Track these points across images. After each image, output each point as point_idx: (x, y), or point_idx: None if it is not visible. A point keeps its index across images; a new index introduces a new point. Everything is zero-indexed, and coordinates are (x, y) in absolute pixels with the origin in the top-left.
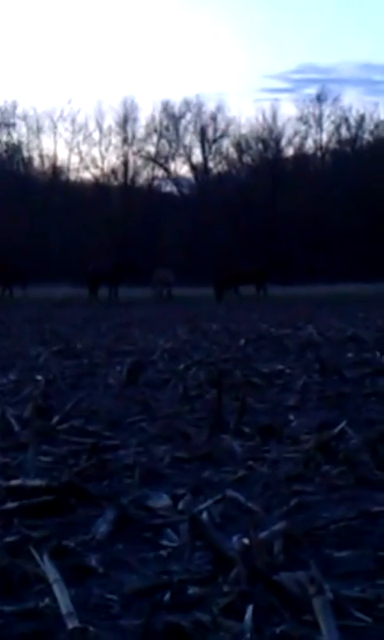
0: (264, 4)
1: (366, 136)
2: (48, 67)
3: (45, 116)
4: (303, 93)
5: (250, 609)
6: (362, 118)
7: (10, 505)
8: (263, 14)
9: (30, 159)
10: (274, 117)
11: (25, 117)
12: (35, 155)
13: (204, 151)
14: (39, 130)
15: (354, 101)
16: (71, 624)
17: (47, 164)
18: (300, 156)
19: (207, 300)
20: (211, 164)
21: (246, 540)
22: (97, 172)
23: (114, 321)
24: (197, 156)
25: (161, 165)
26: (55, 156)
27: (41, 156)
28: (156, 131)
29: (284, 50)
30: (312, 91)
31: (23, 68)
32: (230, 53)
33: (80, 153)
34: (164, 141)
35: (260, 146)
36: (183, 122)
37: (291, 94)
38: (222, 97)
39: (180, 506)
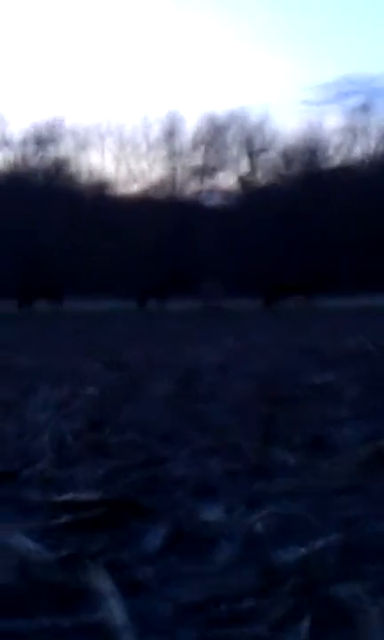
0: (306, 15)
1: None
2: (93, 82)
3: (92, 130)
4: (348, 103)
5: (305, 622)
6: None
7: (63, 519)
8: (305, 25)
9: (78, 174)
10: (319, 128)
11: (72, 133)
12: (82, 169)
13: (250, 163)
14: (86, 144)
15: None
16: (127, 638)
17: (94, 178)
18: (347, 167)
19: (254, 312)
20: (257, 176)
21: (300, 553)
22: (144, 186)
23: (162, 333)
24: (243, 168)
25: (207, 178)
26: (102, 170)
27: (88, 171)
28: (201, 143)
29: (327, 60)
30: (357, 101)
31: (69, 84)
32: (274, 65)
33: (127, 167)
34: (209, 154)
35: (306, 157)
36: (228, 134)
37: (336, 105)
38: (267, 108)
39: (233, 518)
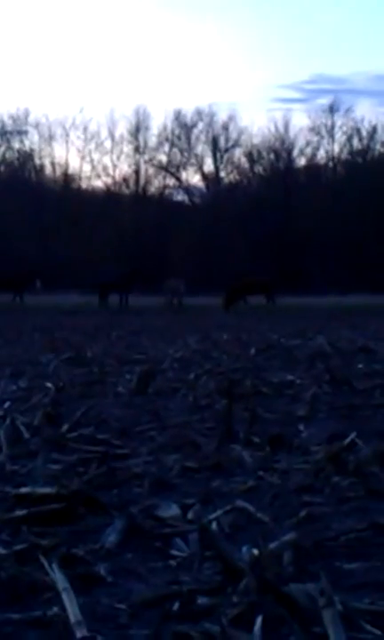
0: (278, 14)
1: (378, 147)
2: (60, 75)
3: (57, 123)
4: (316, 104)
5: (259, 620)
6: (374, 129)
7: (19, 512)
8: (276, 24)
9: (42, 167)
10: (286, 127)
11: (37, 125)
12: (46, 162)
13: (215, 160)
14: (51, 138)
15: (367, 112)
16: (80, 633)
17: (59, 171)
18: (312, 167)
19: (218, 310)
20: (222, 174)
21: (256, 551)
22: (108, 181)
23: (124, 329)
24: (209, 166)
25: (172, 174)
26: (67, 164)
27: (53, 164)
28: (167, 140)
29: (297, 60)
30: (325, 101)
31: (35, 76)
32: (243, 63)
33: (92, 161)
34: (175, 150)
35: (272, 156)
36: (195, 131)
37: (303, 104)
38: (235, 106)
39: (190, 515)
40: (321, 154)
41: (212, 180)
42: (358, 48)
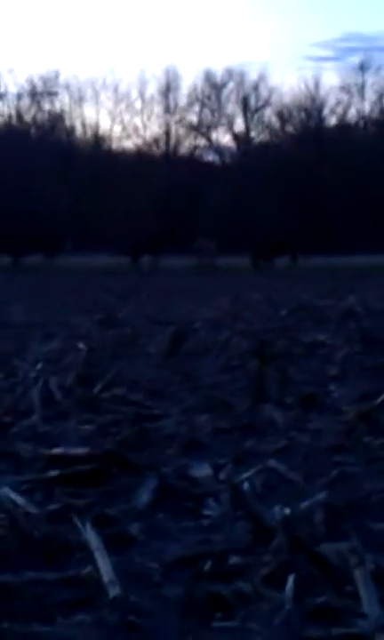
0: None
1: None
2: (90, 36)
3: (87, 84)
4: (348, 62)
5: (291, 579)
6: None
7: (52, 473)
8: None
9: (73, 128)
10: (316, 86)
11: (67, 86)
12: (77, 124)
13: (246, 120)
14: (81, 99)
15: None
16: (113, 592)
17: (89, 132)
18: (343, 126)
19: (249, 270)
20: (253, 134)
21: (287, 511)
22: (139, 142)
23: (155, 290)
24: (239, 126)
25: (203, 134)
26: (97, 125)
27: (83, 125)
28: (198, 100)
29: (328, 18)
30: (356, 59)
31: (65, 38)
32: (274, 22)
33: (122, 122)
34: (206, 110)
35: (303, 115)
36: (225, 91)
37: (335, 63)
38: (265, 66)
39: (222, 476)
40: (352, 113)
41: (242, 139)
42: None
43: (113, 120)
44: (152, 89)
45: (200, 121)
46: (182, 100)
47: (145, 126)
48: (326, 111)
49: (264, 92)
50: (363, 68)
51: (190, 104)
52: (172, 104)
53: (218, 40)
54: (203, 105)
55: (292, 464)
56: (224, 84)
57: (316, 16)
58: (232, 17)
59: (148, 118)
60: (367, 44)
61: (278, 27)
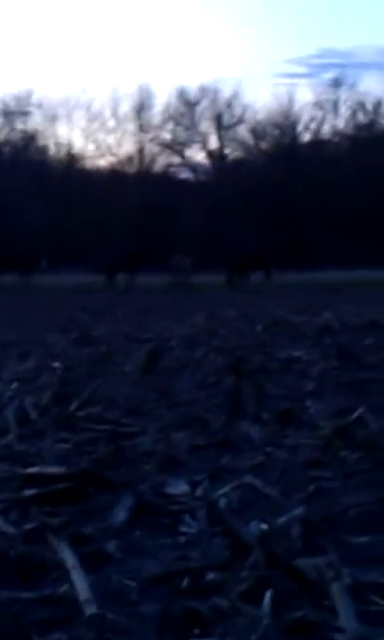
0: None
1: (383, 121)
2: (62, 55)
3: (60, 104)
4: (322, 78)
5: (268, 594)
6: (379, 103)
7: (28, 492)
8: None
9: (46, 147)
10: (290, 103)
11: (40, 106)
12: (50, 143)
13: (219, 137)
14: (54, 118)
15: (373, 86)
16: (89, 610)
17: (63, 152)
18: (317, 142)
19: (224, 287)
20: (227, 151)
21: (264, 526)
22: (113, 160)
23: (131, 308)
24: (213, 143)
25: (177, 152)
26: (71, 144)
27: (56, 144)
28: (171, 117)
29: (302, 34)
30: (331, 75)
31: (38, 57)
32: (248, 38)
33: (96, 141)
34: (179, 128)
35: (277, 132)
36: (199, 108)
37: (310, 79)
38: (240, 82)
39: (198, 492)
40: (325, 129)
41: (216, 157)
42: (364, 21)
43: (86, 139)
44: (125, 107)
45: (174, 139)
46: (156, 118)
47: (118, 145)
48: (300, 127)
49: (238, 109)
50: (336, 84)
51: (164, 122)
52: (145, 122)
53: (191, 57)
54: (176, 123)
55: (269, 480)
56: (197, 102)
57: (290, 33)
58: (205, 34)
59: (122, 137)
60: (341, 60)
61: (252, 43)
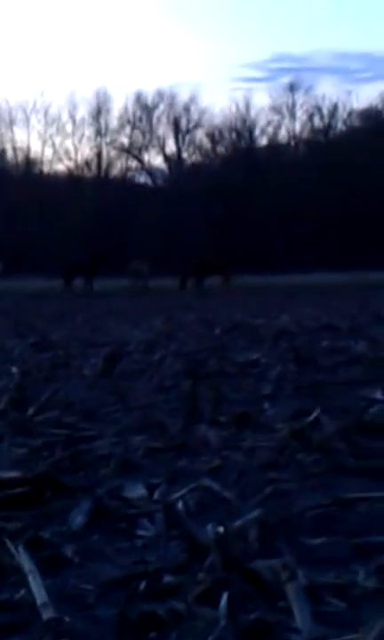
0: None
1: (339, 125)
2: (20, 58)
3: (18, 107)
4: (279, 82)
5: (225, 596)
6: (335, 107)
7: None
8: (237, 3)
9: (3, 151)
10: (247, 107)
11: None
12: (8, 147)
13: (177, 142)
14: (12, 122)
15: (329, 90)
16: (46, 615)
17: (20, 156)
18: (274, 146)
19: (182, 291)
20: (184, 155)
21: (221, 529)
22: (70, 164)
23: (89, 313)
24: (171, 147)
25: (135, 157)
26: (28, 149)
27: (14, 149)
28: (129, 122)
29: (258, 39)
30: (287, 80)
31: None
32: (205, 43)
33: (53, 145)
34: (137, 132)
35: (234, 136)
36: (156, 113)
37: (266, 83)
38: (197, 87)
39: (156, 495)
40: (282, 133)
41: (174, 161)
42: (320, 26)
43: (44, 143)
44: (83, 111)
45: (131, 143)
46: (113, 123)
47: (76, 149)
48: (257, 132)
49: (195, 114)
50: (292, 88)
51: (121, 126)
52: (103, 126)
53: (149, 61)
54: (134, 127)
55: (226, 482)
56: (155, 106)
57: (247, 37)
58: (163, 38)
59: (79, 141)
60: (297, 65)
61: (210, 48)
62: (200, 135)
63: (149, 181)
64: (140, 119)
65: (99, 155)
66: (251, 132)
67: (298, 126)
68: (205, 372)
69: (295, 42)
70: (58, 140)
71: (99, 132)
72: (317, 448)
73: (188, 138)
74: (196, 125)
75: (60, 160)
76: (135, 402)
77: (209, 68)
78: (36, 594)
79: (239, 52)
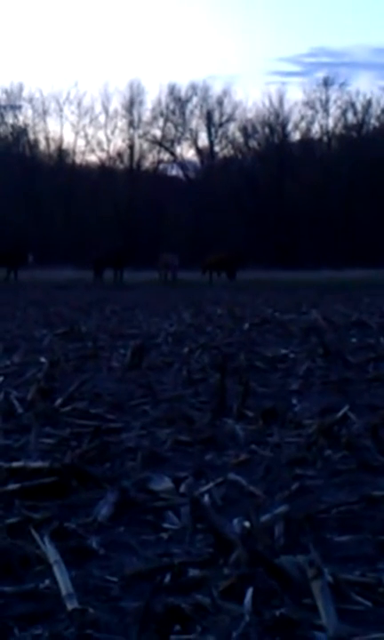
0: None
1: (373, 121)
2: (54, 49)
3: (51, 98)
4: (315, 77)
5: (250, 592)
6: (368, 103)
7: (11, 486)
8: None
9: (36, 142)
10: (280, 102)
11: (31, 100)
12: (41, 137)
13: (210, 135)
14: (45, 112)
15: (366, 86)
16: (70, 605)
17: (53, 146)
18: (306, 141)
19: (213, 284)
20: (217, 149)
21: (247, 524)
22: (103, 156)
23: (118, 304)
24: (203, 140)
25: (167, 149)
26: (61, 139)
27: (47, 139)
28: (162, 114)
29: (297, 33)
30: (320, 75)
31: (29, 50)
32: (242, 36)
33: (86, 136)
34: (170, 125)
35: (266, 130)
36: (189, 105)
37: (302, 78)
38: (233, 80)
39: (182, 489)
40: (315, 128)
41: (206, 154)
42: (358, 21)
43: (77, 134)
44: (116, 103)
45: (164, 135)
46: (146, 115)
47: (109, 140)
48: (290, 126)
49: (228, 107)
50: (327, 83)
51: (154, 118)
52: (136, 118)
53: (183, 54)
54: (167, 119)
55: (253, 477)
56: (188, 99)
57: (285, 31)
58: (198, 31)
59: (112, 132)
60: (334, 60)
61: (247, 40)
62: (233, 129)
63: (181, 174)
64: (173, 112)
65: (131, 146)
66: (284, 126)
67: (331, 122)
68: (234, 366)
69: (333, 36)
70: (90, 131)
71: (131, 124)
72: (345, 445)
73: (220, 131)
74: (229, 119)
75: (93, 151)
76: (163, 394)
77: (245, 61)
78: (61, 584)
79: (276, 45)
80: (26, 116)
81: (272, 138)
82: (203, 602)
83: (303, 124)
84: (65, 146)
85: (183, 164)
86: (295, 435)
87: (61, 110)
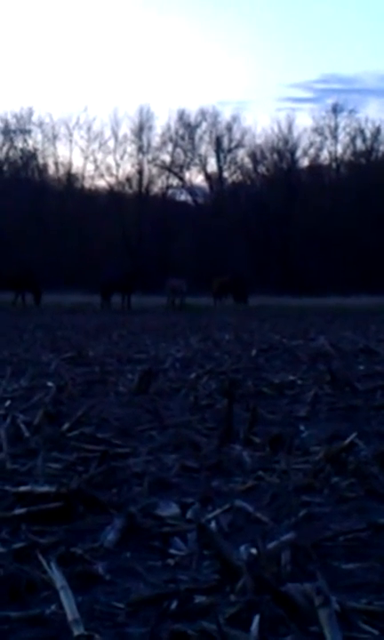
0: (287, 12)
1: (382, 148)
2: (64, 74)
3: (61, 123)
4: (326, 103)
5: (256, 619)
6: (378, 130)
7: (18, 511)
8: (286, 23)
9: (45, 166)
10: (289, 128)
11: (41, 124)
12: (50, 162)
13: (219, 161)
14: (55, 137)
15: (373, 112)
16: (77, 631)
17: (62, 171)
18: (315, 168)
19: (221, 310)
20: (226, 174)
21: (254, 551)
22: (111, 180)
23: (126, 329)
24: (212, 166)
25: (176, 174)
26: (70, 164)
27: (56, 164)
28: (171, 140)
29: (308, 59)
30: (330, 101)
31: (39, 75)
32: (252, 62)
33: (95, 161)
34: (179, 150)
35: (275, 156)
36: (199, 131)
37: (313, 104)
38: (243, 106)
39: (189, 515)
40: (324, 154)
41: (215, 180)
42: (369, 47)
43: (86, 159)
44: (125, 128)
45: (173, 161)
46: (155, 140)
47: (118, 165)
48: (299, 153)
49: (237, 133)
50: (336, 110)
51: (163, 143)
52: (145, 143)
53: (193, 80)
54: (176, 145)
55: (260, 504)
56: (197, 125)
57: (297, 57)
58: (207, 57)
59: (121, 157)
60: (345, 86)
61: (257, 66)
62: (242, 155)
63: (190, 199)
64: (183, 137)
65: (140, 172)
66: (292, 152)
67: (340, 148)
68: (241, 392)
69: (344, 63)
70: (100, 156)
71: (141, 149)
72: (352, 472)
73: (229, 157)
74: (238, 145)
75: (102, 176)
76: (170, 420)
77: (256, 87)
78: (67, 610)
79: (287, 71)
80: (35, 140)
81: (281, 164)
82: (209, 629)
83: (312, 151)
84: (74, 170)
85: (192, 190)
86: (302, 461)
87: (71, 135)
